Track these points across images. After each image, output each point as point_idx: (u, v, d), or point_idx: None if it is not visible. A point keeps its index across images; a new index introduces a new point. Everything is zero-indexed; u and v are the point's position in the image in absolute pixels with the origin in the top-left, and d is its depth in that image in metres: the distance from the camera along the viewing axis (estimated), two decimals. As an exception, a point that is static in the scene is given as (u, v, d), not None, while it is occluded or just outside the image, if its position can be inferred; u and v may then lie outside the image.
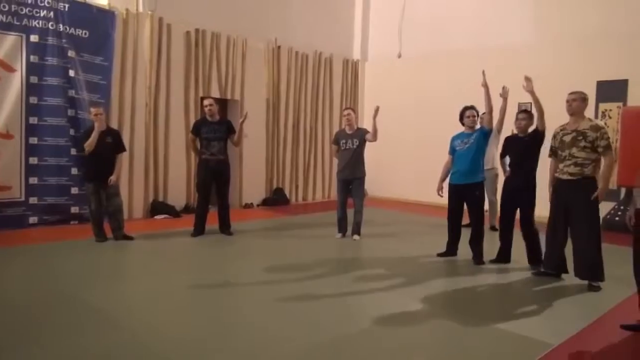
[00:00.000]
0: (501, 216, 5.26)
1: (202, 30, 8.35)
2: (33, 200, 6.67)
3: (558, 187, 4.55)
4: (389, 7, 10.88)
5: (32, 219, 6.67)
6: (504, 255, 5.28)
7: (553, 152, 4.67)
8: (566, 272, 4.67)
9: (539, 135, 4.94)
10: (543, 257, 4.84)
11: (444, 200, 5.58)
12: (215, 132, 6.30)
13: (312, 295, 4.11)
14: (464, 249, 5.47)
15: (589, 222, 4.36)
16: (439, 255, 5.57)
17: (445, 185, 5.53)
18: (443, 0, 9.94)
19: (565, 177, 4.45)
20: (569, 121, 4.54)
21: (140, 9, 7.59)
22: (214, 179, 6.35)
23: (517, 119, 5.14)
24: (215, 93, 8.48)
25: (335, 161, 6.79)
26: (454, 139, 5.52)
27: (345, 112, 6.51)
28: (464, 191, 5.33)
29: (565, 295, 4.28)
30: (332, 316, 3.64)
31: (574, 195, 4.39)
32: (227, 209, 6.54)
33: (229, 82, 8.87)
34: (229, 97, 8.87)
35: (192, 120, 7.86)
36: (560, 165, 4.52)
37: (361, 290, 4.32)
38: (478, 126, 5.43)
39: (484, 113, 5.43)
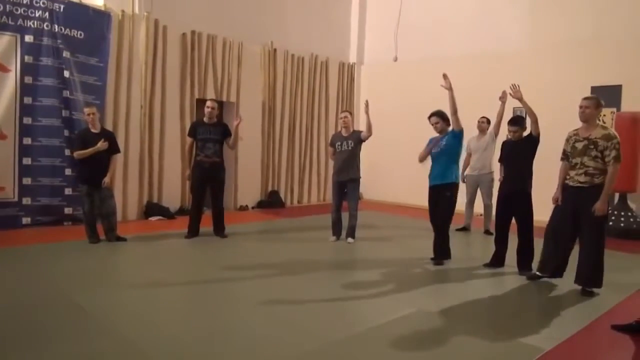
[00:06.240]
0: (496, 220, 5.25)
1: (198, 33, 8.34)
2: (26, 200, 6.64)
3: (567, 193, 4.49)
4: (385, 11, 10.90)
5: (25, 220, 6.64)
6: (498, 260, 5.28)
7: (565, 156, 4.59)
8: (561, 276, 4.66)
9: (533, 139, 4.93)
10: (540, 261, 4.79)
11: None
12: (211, 133, 6.28)
13: (304, 300, 4.09)
14: (456, 253, 5.47)
15: (597, 231, 4.32)
16: (432, 259, 5.55)
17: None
18: (439, 6, 9.99)
19: (575, 184, 4.40)
20: (581, 127, 4.47)
21: (136, 11, 7.57)
22: (208, 181, 6.33)
23: (508, 130, 5.10)
24: (211, 95, 8.46)
25: (331, 164, 6.77)
26: (429, 142, 5.61)
27: (342, 115, 6.52)
28: (437, 192, 5.40)
29: (559, 300, 4.29)
30: (323, 322, 3.62)
31: (583, 202, 4.32)
32: (222, 211, 6.52)
33: (225, 85, 8.85)
34: (224, 99, 8.86)
35: (188, 122, 7.88)
36: (571, 173, 4.45)
37: (353, 295, 4.31)
38: (450, 128, 5.41)
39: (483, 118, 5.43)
